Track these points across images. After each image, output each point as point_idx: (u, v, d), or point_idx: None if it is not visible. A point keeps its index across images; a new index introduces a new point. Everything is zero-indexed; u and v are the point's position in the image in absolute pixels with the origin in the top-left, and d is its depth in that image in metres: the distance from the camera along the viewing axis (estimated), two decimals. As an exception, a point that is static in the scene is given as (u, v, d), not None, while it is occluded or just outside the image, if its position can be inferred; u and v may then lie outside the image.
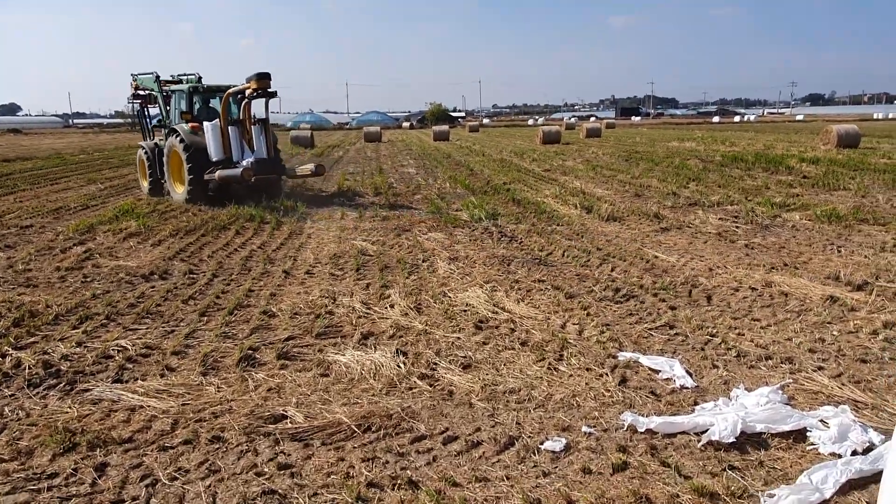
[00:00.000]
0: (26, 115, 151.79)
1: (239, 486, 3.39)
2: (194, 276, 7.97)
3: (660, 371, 4.73)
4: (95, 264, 8.44)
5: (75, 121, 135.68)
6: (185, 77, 15.33)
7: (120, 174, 21.39)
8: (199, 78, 15.06)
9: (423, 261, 8.55)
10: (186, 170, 13.43)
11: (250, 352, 5.31)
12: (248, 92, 12.92)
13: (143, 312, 6.37)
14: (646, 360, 4.90)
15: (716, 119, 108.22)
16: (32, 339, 5.66)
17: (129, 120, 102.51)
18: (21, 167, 24.30)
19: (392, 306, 6.55)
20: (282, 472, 3.50)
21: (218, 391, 4.62)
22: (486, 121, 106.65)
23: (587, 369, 4.85)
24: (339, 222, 11.54)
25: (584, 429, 3.89)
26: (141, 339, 5.66)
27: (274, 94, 13.11)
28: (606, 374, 4.73)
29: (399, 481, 3.34)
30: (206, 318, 6.27)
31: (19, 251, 9.29)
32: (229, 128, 13.35)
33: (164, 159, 14.34)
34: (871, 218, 10.73)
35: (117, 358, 5.23)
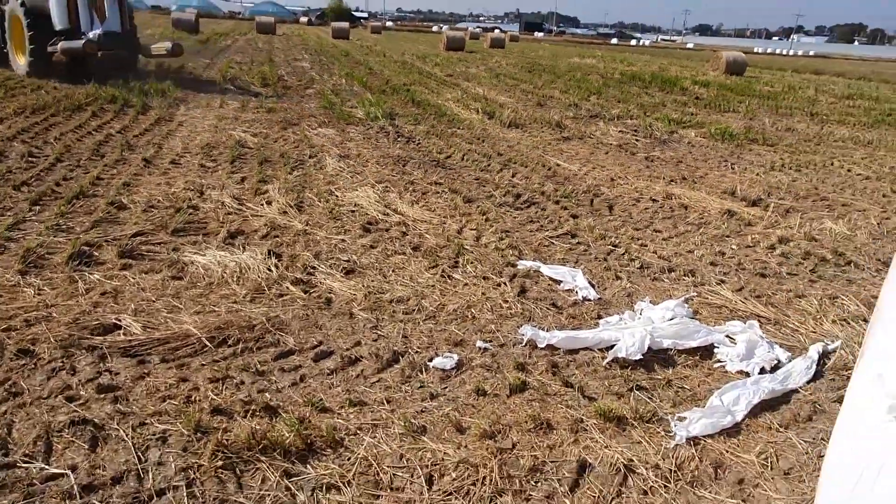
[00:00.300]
0: None
1: (43, 415, 2.63)
2: (34, 159, 6.62)
3: (562, 282, 4.34)
4: None
5: None
6: None
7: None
8: None
9: (310, 157, 7.65)
10: (27, 38, 11.60)
11: (86, 248, 4.37)
12: None
13: (-49, 199, 5.14)
14: (547, 270, 4.50)
15: (614, 41, 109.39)
16: None
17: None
18: None
19: (269, 203, 5.72)
20: (102, 395, 2.76)
21: (38, 294, 3.71)
22: (389, 24, 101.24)
23: (484, 278, 4.38)
24: (217, 111, 10.19)
25: (479, 343, 3.43)
26: (-57, 232, 4.52)
27: None
28: (505, 284, 4.28)
29: (254, 406, 2.72)
30: (38, 208, 5.17)
31: None
32: None
33: (6, 25, 12.39)
34: (761, 138, 10.93)
35: None
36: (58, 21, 11.59)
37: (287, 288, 4.00)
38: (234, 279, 4.06)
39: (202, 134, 8.45)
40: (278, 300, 3.85)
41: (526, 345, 3.43)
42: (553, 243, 5.21)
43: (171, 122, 9.20)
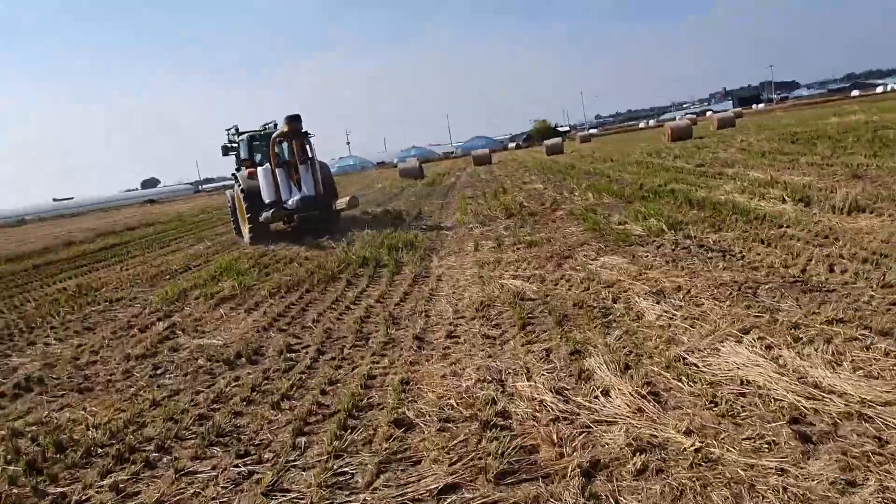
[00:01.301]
0: (164, 185, 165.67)
1: None
2: (293, 354, 5.68)
3: None
4: (174, 346, 6.42)
5: (203, 186, 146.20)
6: (266, 126, 15.58)
7: (231, 229, 20.42)
8: (275, 125, 14.92)
9: (614, 301, 5.76)
10: (247, 214, 14.12)
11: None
12: (280, 134, 13.56)
13: (211, 434, 4.07)
14: None
15: (855, 93, 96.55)
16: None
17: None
18: (143, 233, 24.23)
19: (605, 393, 3.82)
20: None
21: None
22: (593, 131, 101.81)
23: None
24: (473, 255, 9.00)
25: None
26: (197, 495, 3.31)
27: (305, 135, 13.55)
28: None
29: None
30: (303, 442, 3.85)
31: (96, 334, 7.55)
32: (277, 170, 13.79)
33: (234, 206, 15.43)
34: None
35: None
36: (266, 195, 13.65)
37: None
38: None
39: (469, 289, 7.10)
40: None
41: None
42: None
43: (428, 277, 8.12)
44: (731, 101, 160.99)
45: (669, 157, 20.93)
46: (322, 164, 14.46)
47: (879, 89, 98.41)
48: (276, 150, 14.02)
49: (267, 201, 13.67)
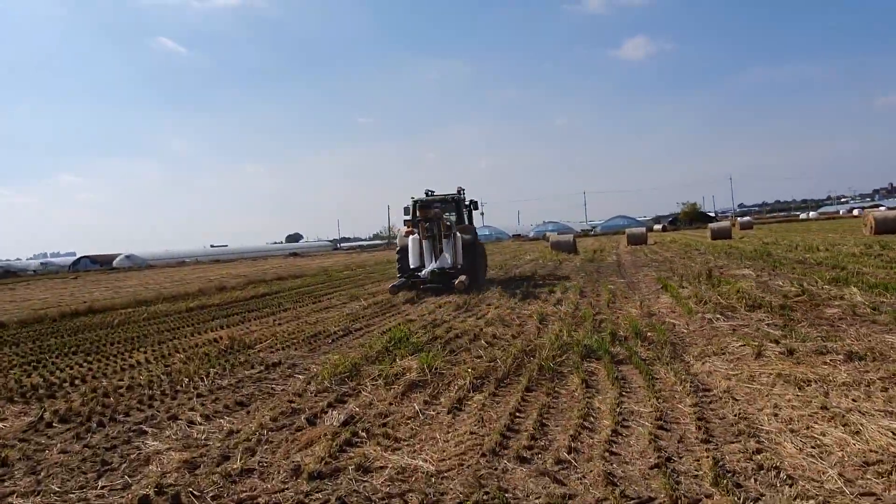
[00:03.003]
0: (305, 241, 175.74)
1: None
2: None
3: None
4: (362, 464, 4.30)
5: (341, 244, 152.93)
6: (451, 194, 17.26)
7: (382, 289, 18.95)
8: (461, 191, 17.21)
9: None
10: (397, 264, 16.86)
11: None
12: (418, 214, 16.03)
13: None
14: None
15: None
16: None
17: (386, 240, 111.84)
18: (291, 284, 23.63)
19: None
20: None
21: None
22: (747, 219, 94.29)
23: None
24: (757, 362, 6.30)
25: None
26: None
27: (436, 217, 15.70)
28: None
29: None
30: None
31: (251, 415, 5.71)
32: (423, 241, 15.91)
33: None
34: None
35: None
36: (411, 260, 16.05)
37: None
38: None
39: (811, 425, 4.43)
40: None
41: None
42: None
43: (708, 390, 5.54)
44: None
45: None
46: (472, 241, 16.25)
47: None
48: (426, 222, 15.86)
49: (411, 266, 16.02)
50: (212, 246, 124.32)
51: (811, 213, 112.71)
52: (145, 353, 9.86)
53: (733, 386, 5.54)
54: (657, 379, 5.94)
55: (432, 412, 5.42)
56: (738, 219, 69.76)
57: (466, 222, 17.17)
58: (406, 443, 4.69)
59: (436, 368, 6.73)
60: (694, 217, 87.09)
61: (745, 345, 6.94)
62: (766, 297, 10.38)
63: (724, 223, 42.70)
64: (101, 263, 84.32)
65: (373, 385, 6.42)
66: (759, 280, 13.14)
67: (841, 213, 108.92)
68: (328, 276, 27.31)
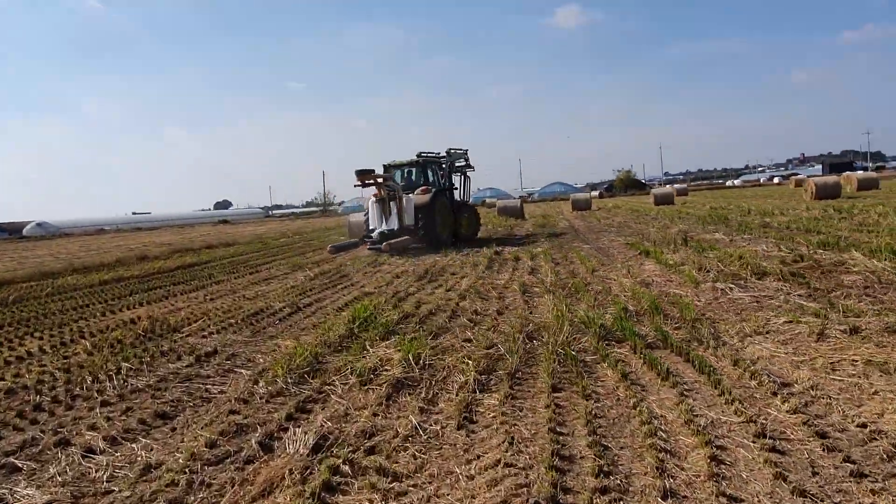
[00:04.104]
0: (235, 208, 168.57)
1: None
2: None
3: None
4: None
5: (273, 212, 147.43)
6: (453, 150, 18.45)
7: (328, 257, 17.18)
8: (450, 152, 18.37)
9: None
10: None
11: None
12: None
13: None
14: None
15: None
16: None
17: (321, 207, 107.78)
18: (222, 253, 21.39)
19: None
20: None
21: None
22: (679, 186, 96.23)
23: None
24: (813, 343, 5.14)
25: None
26: None
27: (367, 185, 15.80)
28: None
29: None
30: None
31: (176, 439, 4.08)
32: (373, 204, 16.56)
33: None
34: None
35: None
36: (369, 223, 16.80)
37: None
38: None
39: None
40: None
41: None
42: None
43: (788, 390, 4.31)
44: (819, 167, 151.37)
45: (853, 214, 16.51)
46: (428, 203, 16.14)
47: None
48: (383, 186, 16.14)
49: (369, 228, 16.79)
50: (134, 213, 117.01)
51: (736, 181, 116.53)
52: (41, 338, 7.91)
53: (817, 378, 4.33)
54: (712, 369, 4.67)
55: (435, 426, 3.95)
56: (675, 185, 70.84)
57: (448, 184, 17.94)
58: (411, 483, 3.22)
59: (423, 359, 5.25)
60: (629, 184, 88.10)
61: (791, 321, 5.80)
62: (766, 265, 9.40)
63: (667, 189, 42.80)
64: (10, 232, 77.39)
65: (343, 384, 4.88)
66: (738, 245, 12.25)
67: (762, 181, 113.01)
68: (264, 245, 25.12)
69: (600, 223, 23.67)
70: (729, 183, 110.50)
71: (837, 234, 12.62)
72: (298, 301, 9.43)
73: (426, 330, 6.47)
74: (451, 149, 18.41)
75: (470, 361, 5.09)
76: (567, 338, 5.61)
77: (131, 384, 5.36)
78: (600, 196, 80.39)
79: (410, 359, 5.17)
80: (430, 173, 17.44)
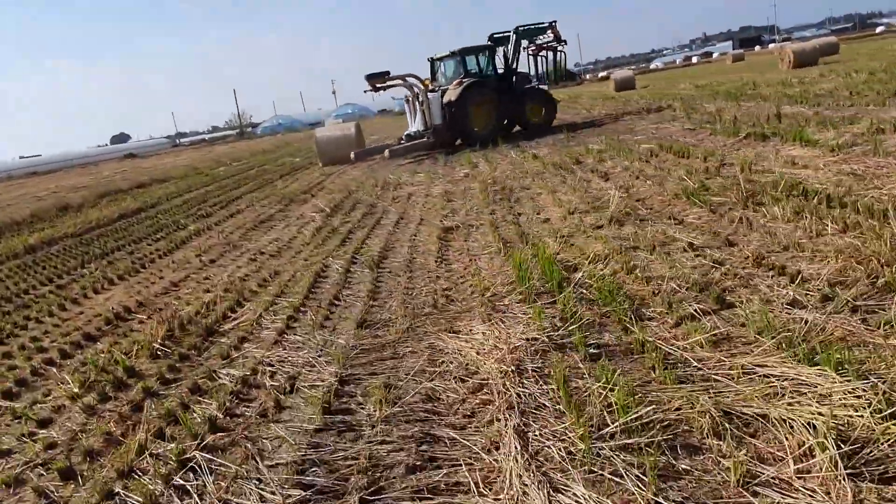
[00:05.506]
0: (137, 140, 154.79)
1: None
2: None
3: None
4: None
5: (180, 140, 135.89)
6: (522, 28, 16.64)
7: (316, 179, 13.83)
8: (550, 25, 16.92)
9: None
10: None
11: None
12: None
13: None
14: None
15: (858, 33, 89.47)
16: None
17: (237, 130, 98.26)
18: (163, 192, 17.20)
19: None
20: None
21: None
22: (616, 73, 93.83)
23: None
24: None
25: None
26: None
27: (378, 89, 15.27)
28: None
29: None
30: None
31: None
32: (406, 106, 16.56)
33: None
34: None
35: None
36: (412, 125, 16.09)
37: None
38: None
39: None
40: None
41: None
42: None
43: None
44: (728, 44, 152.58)
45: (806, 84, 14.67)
46: (450, 97, 15.04)
47: (880, 29, 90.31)
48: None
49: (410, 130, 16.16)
50: (21, 157, 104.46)
51: (659, 63, 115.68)
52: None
53: None
54: None
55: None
56: (618, 71, 68.48)
57: (514, 66, 16.54)
58: None
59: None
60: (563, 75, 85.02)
61: None
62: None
63: (627, 73, 40.29)
64: None
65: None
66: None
67: (678, 61, 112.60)
68: (208, 177, 21.02)
69: (589, 113, 20.99)
70: (652, 66, 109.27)
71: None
72: (386, 248, 6.47)
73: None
74: (520, 26, 16.54)
75: None
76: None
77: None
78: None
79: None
80: (472, 63, 15.80)
